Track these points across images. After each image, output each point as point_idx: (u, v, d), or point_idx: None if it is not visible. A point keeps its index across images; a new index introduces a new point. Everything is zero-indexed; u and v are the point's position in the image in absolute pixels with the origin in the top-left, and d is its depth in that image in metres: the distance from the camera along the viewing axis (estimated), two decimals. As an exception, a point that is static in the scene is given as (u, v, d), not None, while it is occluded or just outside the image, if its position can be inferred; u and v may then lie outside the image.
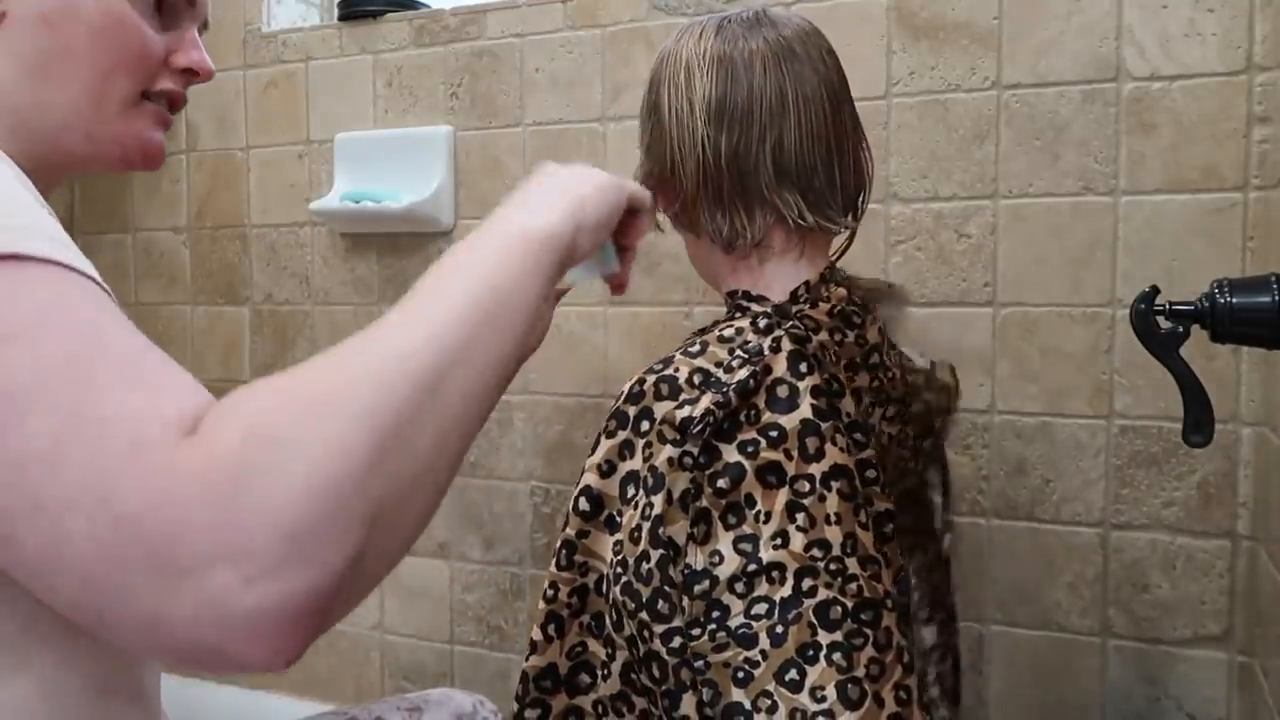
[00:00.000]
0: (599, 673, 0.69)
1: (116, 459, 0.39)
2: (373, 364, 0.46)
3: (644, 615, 0.65)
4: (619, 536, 0.68)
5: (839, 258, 0.86)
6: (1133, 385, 1.11)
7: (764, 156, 0.75)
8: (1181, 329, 0.76)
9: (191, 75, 0.68)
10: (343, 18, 1.51)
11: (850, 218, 0.80)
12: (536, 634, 0.70)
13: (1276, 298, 0.70)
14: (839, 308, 0.76)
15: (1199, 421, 0.76)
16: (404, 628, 1.51)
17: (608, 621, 0.69)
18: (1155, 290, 0.77)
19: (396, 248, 1.49)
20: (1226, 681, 1.09)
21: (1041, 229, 1.13)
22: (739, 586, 0.65)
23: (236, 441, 0.40)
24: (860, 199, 0.82)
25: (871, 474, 0.72)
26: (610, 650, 0.69)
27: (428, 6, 1.50)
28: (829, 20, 1.21)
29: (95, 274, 0.48)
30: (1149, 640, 1.11)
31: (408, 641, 1.51)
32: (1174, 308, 0.75)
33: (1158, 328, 0.76)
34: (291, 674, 1.58)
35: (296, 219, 1.55)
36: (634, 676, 0.67)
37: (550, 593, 0.70)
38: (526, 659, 0.70)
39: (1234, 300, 0.72)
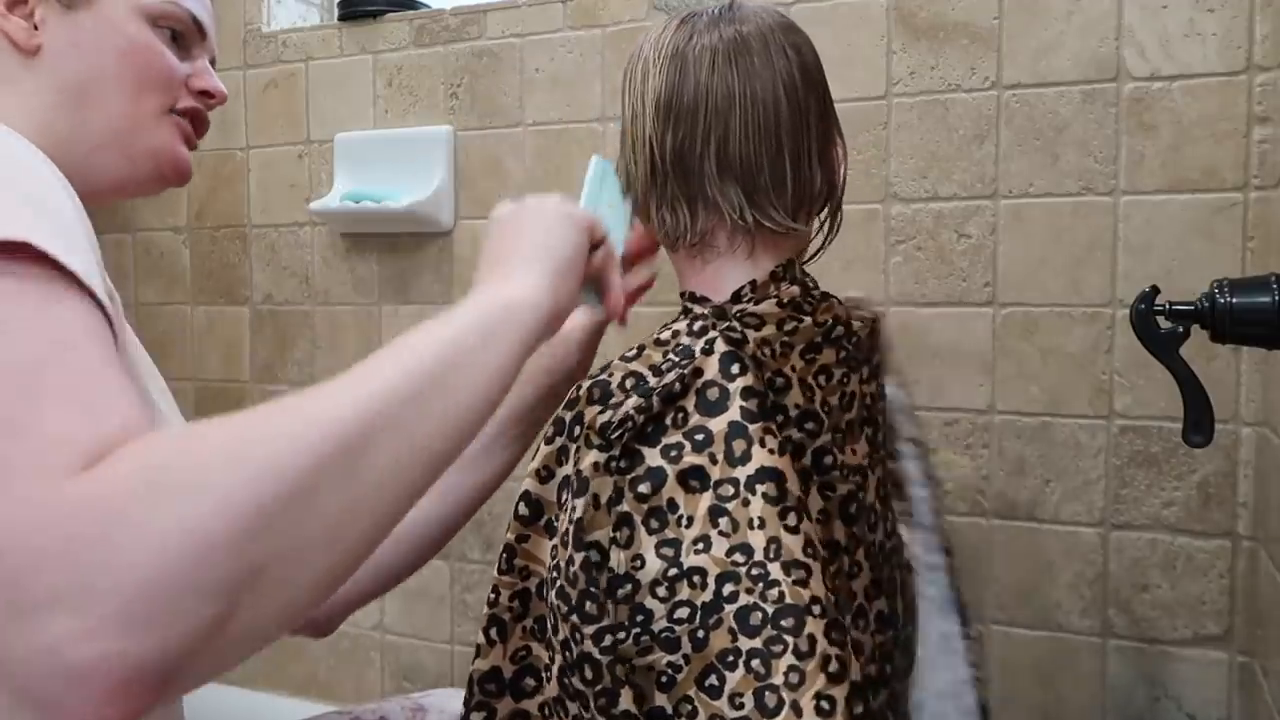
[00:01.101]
0: (544, 675, 0.70)
1: (9, 474, 0.38)
2: (288, 423, 0.43)
3: (574, 618, 0.65)
4: (554, 541, 0.68)
5: (807, 260, 0.84)
6: (1133, 385, 1.11)
7: (708, 153, 0.73)
8: (1181, 329, 0.76)
9: (208, 98, 0.73)
10: (343, 18, 1.51)
11: (804, 219, 0.78)
12: (480, 637, 0.71)
13: (1276, 298, 0.70)
14: (789, 299, 0.75)
15: (1199, 421, 0.76)
16: (404, 628, 1.51)
17: (549, 625, 0.69)
18: (1155, 290, 0.77)
19: (396, 248, 1.49)
20: (1226, 681, 1.09)
21: (1041, 229, 1.13)
22: (660, 590, 0.64)
23: (119, 482, 0.38)
24: (826, 199, 0.79)
25: (828, 460, 0.71)
26: (551, 653, 0.69)
27: (428, 6, 1.50)
28: (829, 20, 1.21)
29: (105, 300, 0.49)
30: (1149, 640, 1.11)
31: (408, 641, 1.51)
32: (1174, 308, 0.75)
33: (1158, 328, 0.76)
34: (292, 674, 1.58)
35: (296, 219, 1.55)
36: (566, 681, 0.68)
37: (492, 596, 0.71)
38: (473, 660, 0.71)
39: (1234, 300, 0.72)
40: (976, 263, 1.16)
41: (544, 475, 0.69)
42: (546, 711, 0.69)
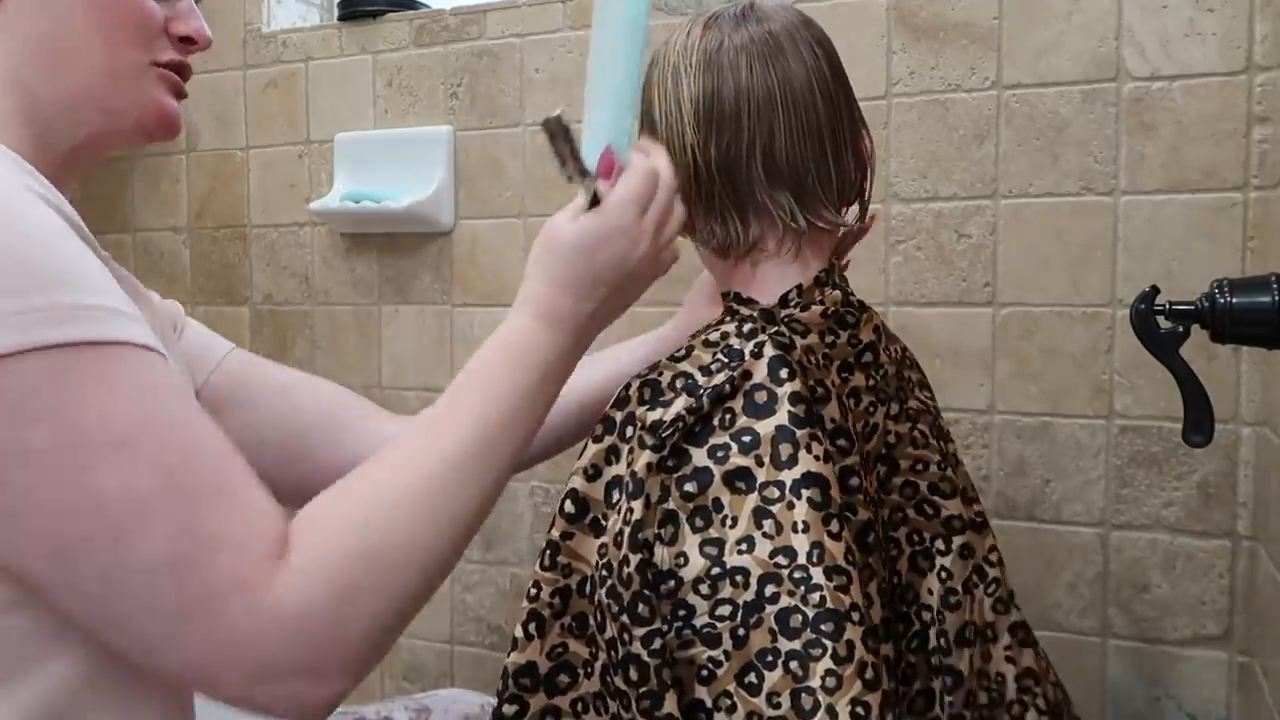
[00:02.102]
0: (580, 672, 0.70)
1: (225, 586, 0.47)
2: (428, 514, 0.56)
3: (624, 618, 0.65)
4: (604, 540, 0.68)
5: (847, 260, 0.85)
6: (1133, 385, 1.11)
7: (754, 159, 0.73)
8: (1181, 329, 0.76)
9: (190, 44, 0.69)
10: (343, 18, 1.51)
11: (847, 213, 0.79)
12: (518, 631, 0.70)
13: (1276, 298, 0.71)
14: (832, 310, 0.76)
15: (1199, 421, 0.76)
16: (404, 628, 1.51)
17: (592, 622, 0.69)
18: (1155, 290, 0.77)
19: (396, 248, 1.49)
20: (1226, 681, 1.09)
21: (1041, 229, 1.13)
22: (703, 588, 0.65)
23: (323, 598, 0.49)
24: (864, 186, 0.80)
25: (855, 482, 0.71)
26: (594, 650, 0.69)
27: (428, 6, 1.50)
28: (829, 20, 1.20)
29: (156, 342, 0.50)
30: (1149, 640, 1.11)
31: (408, 641, 1.51)
32: (1174, 308, 0.75)
33: (1158, 328, 0.76)
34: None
35: (296, 219, 1.55)
36: (609, 679, 0.68)
37: (533, 591, 0.70)
38: (508, 655, 0.71)
39: (1234, 300, 0.72)
40: (976, 263, 1.16)
41: (591, 473, 0.69)
42: (579, 708, 0.69)
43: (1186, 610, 1.10)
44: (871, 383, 0.77)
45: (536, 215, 1.39)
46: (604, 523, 0.68)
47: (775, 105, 0.73)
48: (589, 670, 0.69)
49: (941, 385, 1.18)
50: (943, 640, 0.76)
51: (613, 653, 0.66)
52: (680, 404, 0.67)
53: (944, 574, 0.77)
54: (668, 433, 0.66)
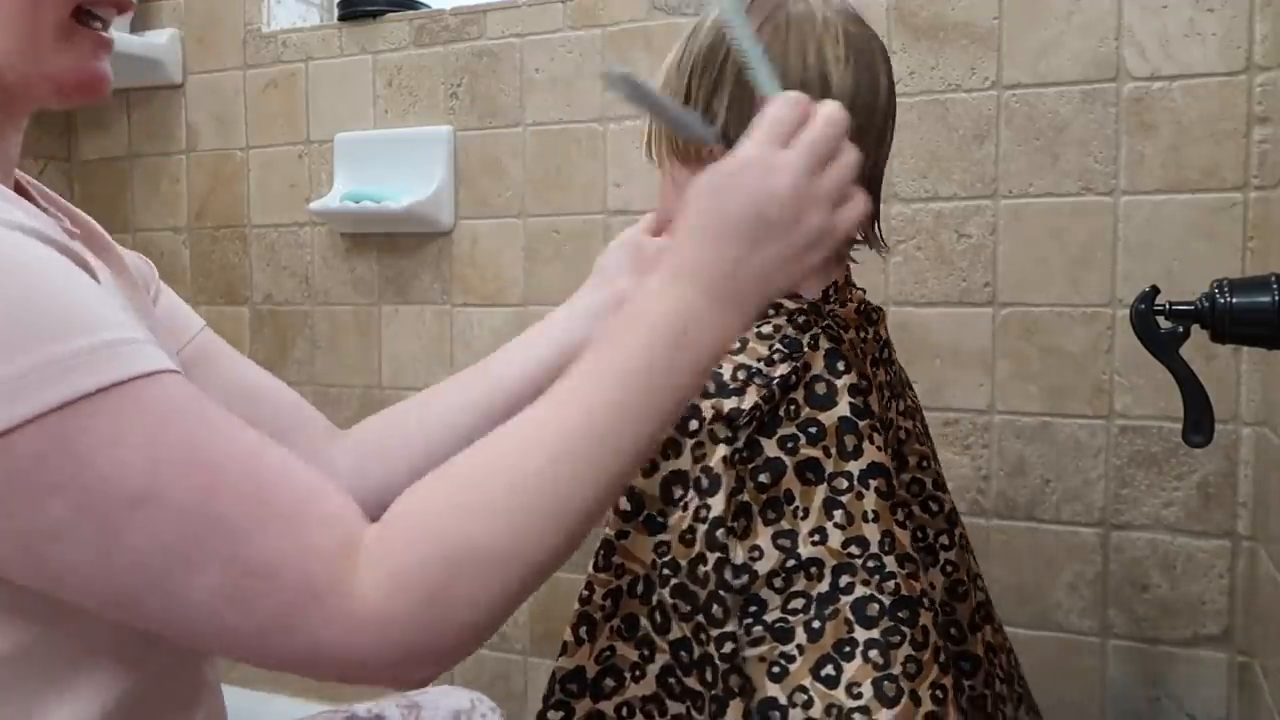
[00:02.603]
0: (627, 675, 0.69)
1: (297, 602, 0.45)
2: (532, 511, 0.49)
3: (700, 619, 0.64)
4: (664, 538, 0.67)
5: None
6: (1133, 385, 1.11)
7: (880, 169, 0.73)
8: (1181, 329, 0.76)
9: None
10: (343, 18, 1.51)
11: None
12: (568, 635, 0.69)
13: (1276, 298, 0.70)
14: (861, 306, 0.77)
15: (1199, 421, 0.76)
16: (404, 628, 1.51)
17: (643, 624, 0.68)
18: (1155, 290, 0.77)
19: (396, 248, 1.49)
20: (1226, 681, 1.09)
21: (1041, 229, 1.13)
22: (777, 581, 0.65)
23: (410, 603, 0.46)
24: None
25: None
26: (645, 652, 0.68)
27: (428, 6, 1.50)
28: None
29: (160, 357, 0.47)
30: (1149, 640, 1.11)
31: (408, 641, 1.51)
32: (1174, 308, 0.75)
33: (1158, 328, 0.76)
34: (292, 674, 1.58)
35: (296, 219, 1.55)
36: (672, 680, 0.67)
37: (585, 593, 0.69)
38: (557, 658, 0.70)
39: (1234, 300, 0.72)
40: (976, 263, 1.16)
41: (647, 469, 0.68)
42: (624, 712, 0.69)
43: (1186, 610, 1.10)
44: (888, 378, 0.78)
45: (536, 215, 1.39)
46: (661, 520, 0.67)
47: (893, 113, 0.73)
48: (637, 674, 0.68)
49: (941, 385, 1.18)
50: (954, 630, 0.78)
51: (683, 654, 0.66)
52: (753, 394, 0.67)
53: (949, 568, 0.78)
54: (745, 420, 0.65)
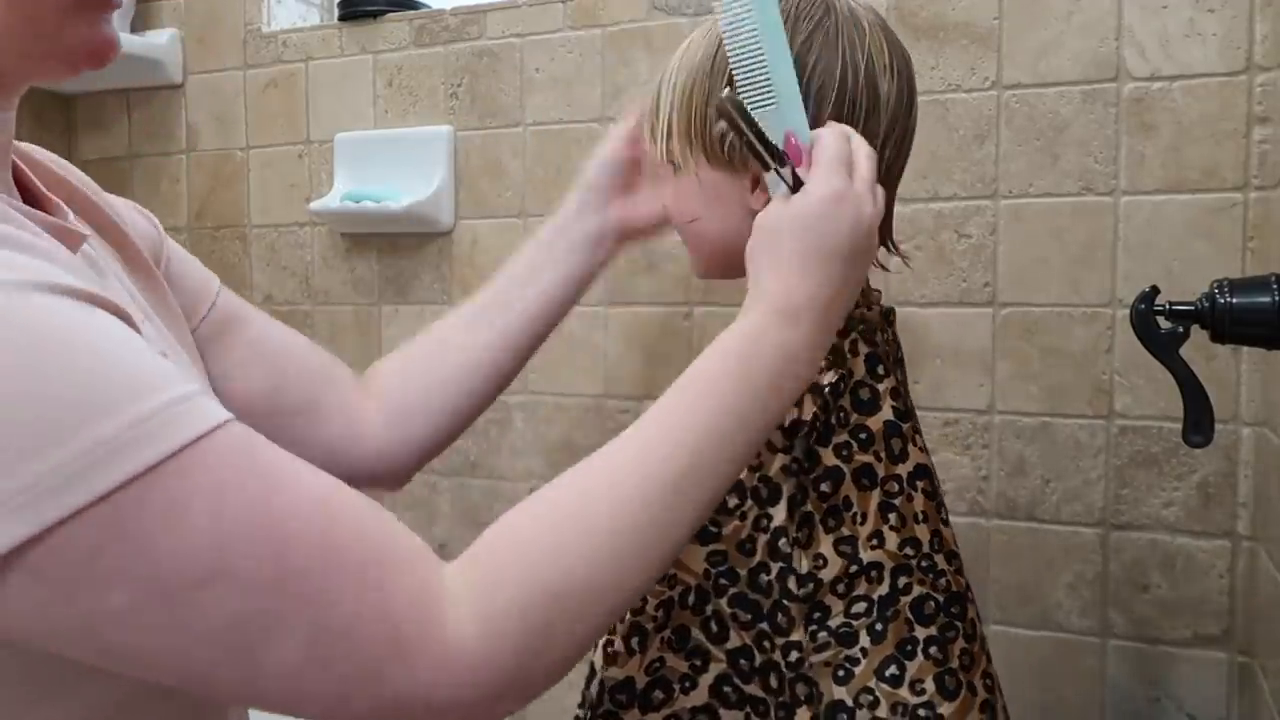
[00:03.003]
0: (676, 688, 0.69)
1: (379, 660, 0.43)
2: (629, 549, 0.49)
3: (764, 626, 0.65)
4: (718, 547, 0.67)
5: None
6: (1133, 385, 1.11)
7: (896, 175, 0.73)
8: (1181, 329, 0.76)
9: None
10: (343, 18, 1.51)
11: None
12: (619, 645, 0.69)
13: (1276, 298, 0.71)
14: (879, 308, 0.77)
15: (1199, 421, 0.76)
16: (404, 628, 1.51)
17: (695, 635, 0.68)
18: (1155, 290, 0.77)
19: (396, 248, 1.49)
20: (1226, 681, 1.09)
21: (1041, 229, 1.13)
22: (840, 588, 0.66)
23: (502, 650, 0.45)
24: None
25: None
26: (697, 663, 0.68)
27: (428, 6, 1.50)
28: (829, 20, 1.21)
29: (210, 406, 0.44)
30: (1149, 640, 1.11)
31: (408, 641, 1.51)
32: (1174, 308, 0.75)
33: (1158, 328, 0.76)
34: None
35: (296, 219, 1.55)
36: (729, 689, 0.67)
37: (639, 604, 0.69)
38: (605, 667, 0.69)
39: (1234, 300, 0.72)
40: (976, 263, 1.16)
41: None
42: None
43: (1186, 610, 1.10)
44: (903, 377, 0.79)
45: (536, 215, 1.39)
46: (715, 529, 0.67)
47: (916, 118, 0.73)
48: (686, 685, 0.69)
49: (941, 385, 1.18)
50: None
51: (742, 662, 0.66)
52: (810, 404, 0.67)
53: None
54: (806, 431, 0.66)
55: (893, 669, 0.65)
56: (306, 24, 1.62)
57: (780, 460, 0.66)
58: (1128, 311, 0.79)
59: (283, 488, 0.44)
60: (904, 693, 0.65)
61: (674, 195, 0.77)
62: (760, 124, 0.60)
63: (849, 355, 0.70)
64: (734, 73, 0.61)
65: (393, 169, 1.45)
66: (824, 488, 0.67)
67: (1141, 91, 1.09)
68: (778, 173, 0.59)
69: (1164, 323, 0.76)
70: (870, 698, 0.65)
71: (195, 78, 1.61)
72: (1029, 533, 1.16)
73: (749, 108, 0.60)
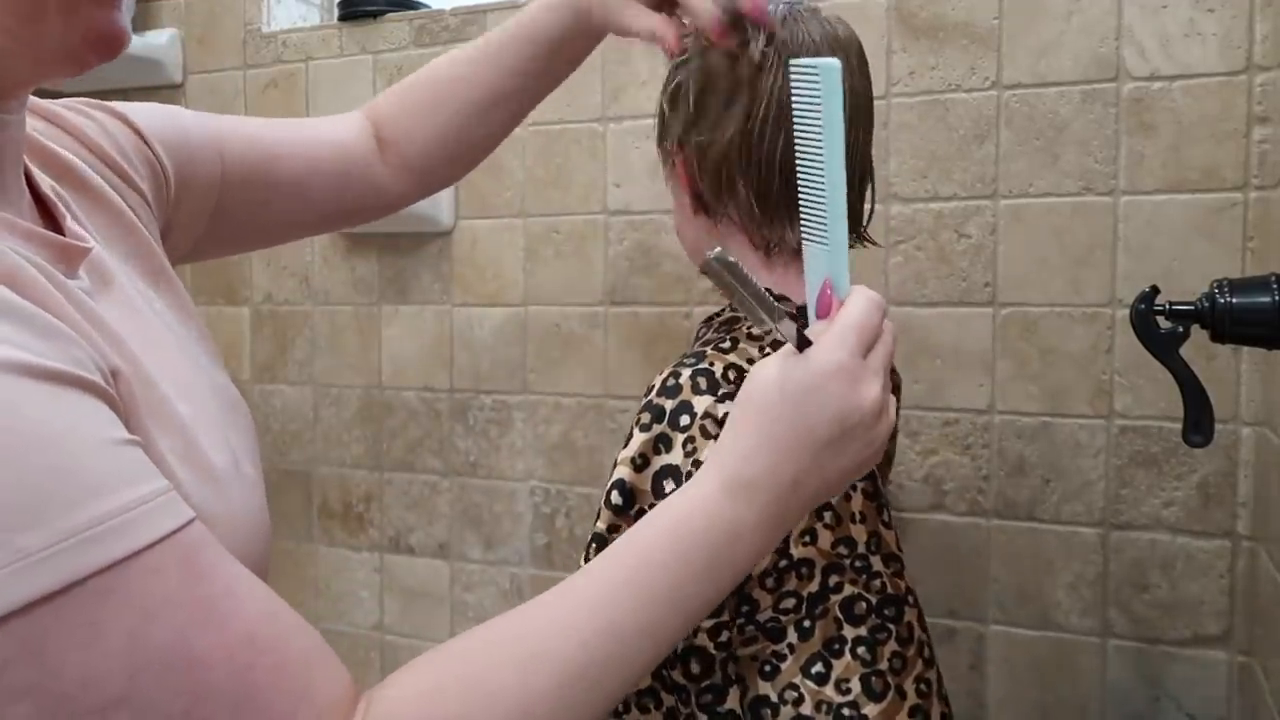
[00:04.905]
0: None
1: None
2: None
3: None
4: None
5: None
6: (1133, 385, 1.11)
7: (859, 161, 0.76)
8: (1181, 329, 0.76)
9: None
10: (343, 18, 1.51)
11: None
12: None
13: (1276, 298, 0.71)
14: None
15: (1199, 421, 0.76)
16: (404, 628, 1.51)
17: None
18: (1155, 290, 0.77)
19: (396, 248, 1.49)
20: (1226, 681, 1.09)
21: (1041, 229, 1.13)
22: (769, 582, 0.65)
23: None
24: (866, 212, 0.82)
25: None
26: None
27: (428, 6, 1.50)
28: (829, 20, 1.21)
29: (166, 522, 0.41)
30: (1149, 640, 1.11)
31: (408, 641, 1.51)
32: (1174, 308, 0.75)
33: (1158, 328, 0.76)
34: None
35: (296, 219, 1.55)
36: (665, 673, 0.68)
37: None
38: None
39: (1234, 300, 0.72)
40: (976, 263, 1.16)
41: (639, 463, 0.68)
42: (620, 709, 0.69)
43: (1186, 610, 1.10)
44: None
45: (536, 215, 1.39)
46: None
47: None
48: None
49: (941, 385, 1.18)
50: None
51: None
52: None
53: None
54: None
55: (818, 666, 0.65)
56: (306, 24, 1.62)
57: (713, 445, 0.65)
58: (1128, 311, 0.79)
59: (210, 620, 0.41)
60: (829, 691, 0.65)
61: (674, 211, 0.83)
62: (806, 258, 0.56)
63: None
64: (799, 179, 0.56)
65: (393, 169, 1.45)
66: None
67: (1141, 91, 1.09)
68: (777, 330, 0.53)
69: (1164, 323, 0.76)
70: (795, 694, 0.65)
71: (195, 78, 1.61)
72: (1029, 533, 1.16)
73: (804, 233, 0.56)
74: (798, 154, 0.55)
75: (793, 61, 0.53)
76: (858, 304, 0.53)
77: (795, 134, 0.55)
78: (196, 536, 0.42)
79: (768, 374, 0.53)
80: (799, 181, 0.56)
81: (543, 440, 1.40)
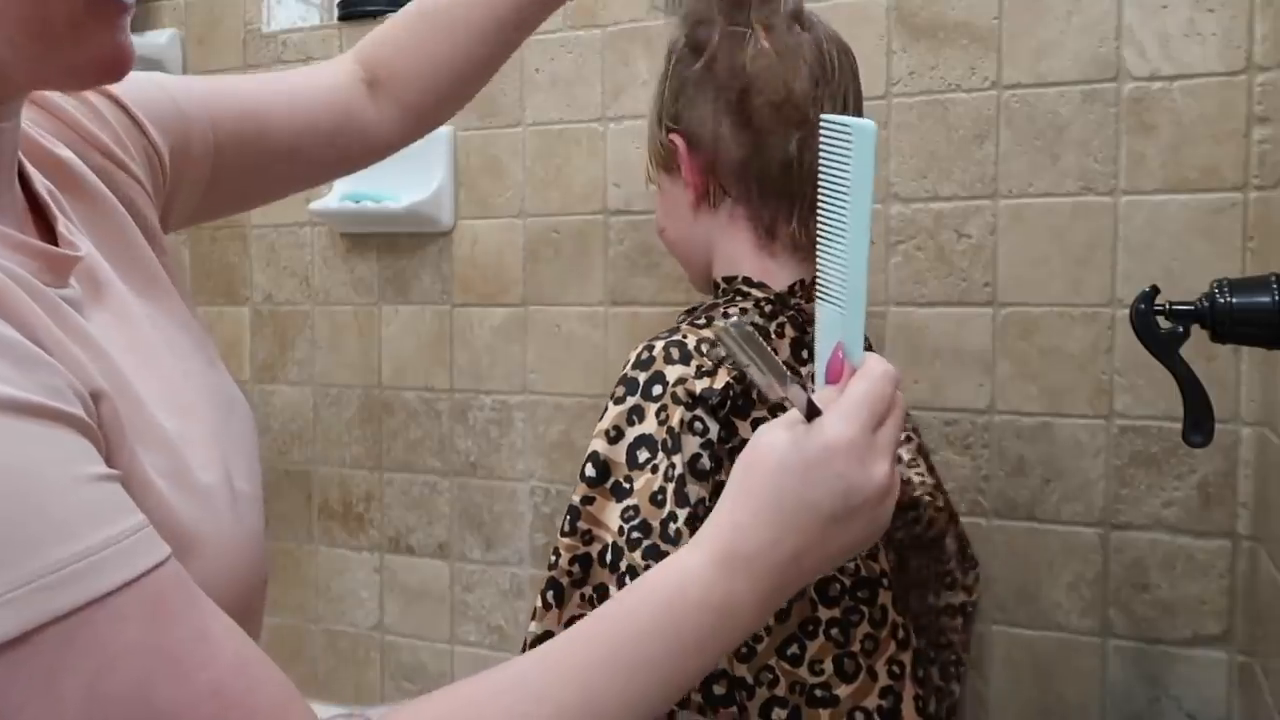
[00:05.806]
0: None
1: None
2: None
3: None
4: (632, 502, 0.67)
5: None
6: (1133, 385, 1.11)
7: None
8: (1181, 329, 0.76)
9: None
10: (343, 18, 1.51)
11: None
12: (538, 600, 0.70)
13: (1276, 298, 0.71)
14: None
15: (1199, 421, 0.76)
16: (404, 628, 1.51)
17: (614, 593, 0.69)
18: (1155, 290, 0.77)
19: (396, 248, 1.49)
20: (1226, 681, 1.09)
21: (1041, 229, 1.13)
22: None
23: None
24: None
25: None
26: None
27: (428, 6, 1.50)
28: (829, 20, 1.21)
29: (136, 564, 0.39)
30: (1149, 640, 1.11)
31: (408, 641, 1.51)
32: (1174, 308, 0.75)
33: (1158, 328, 0.76)
34: (290, 674, 1.58)
35: (296, 219, 1.55)
36: None
37: (553, 559, 0.70)
38: (529, 624, 0.71)
39: (1234, 300, 0.72)
40: (976, 263, 1.16)
41: (613, 435, 0.69)
42: None
43: (1186, 610, 1.10)
44: None
45: (536, 215, 1.39)
46: (628, 485, 0.68)
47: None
48: None
49: (941, 385, 1.18)
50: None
51: None
52: (724, 375, 0.68)
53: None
54: (717, 401, 0.67)
55: (794, 648, 0.66)
56: (306, 24, 1.61)
57: (680, 413, 0.66)
58: (1128, 311, 0.79)
59: (174, 671, 0.39)
60: (803, 672, 0.65)
61: (657, 210, 0.84)
62: (819, 317, 0.54)
63: (775, 337, 0.72)
64: (818, 234, 0.54)
65: (392, 169, 1.43)
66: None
67: (1141, 91, 1.09)
68: (787, 397, 0.51)
69: (1164, 323, 0.76)
70: (770, 676, 0.65)
71: (195, 78, 1.60)
72: (1029, 533, 1.16)
73: (820, 292, 0.54)
74: (820, 210, 0.54)
75: (824, 118, 0.52)
76: (871, 375, 0.51)
77: (820, 189, 0.53)
78: (168, 577, 0.40)
79: (773, 441, 0.51)
80: (818, 236, 0.54)
81: (543, 440, 1.40)
